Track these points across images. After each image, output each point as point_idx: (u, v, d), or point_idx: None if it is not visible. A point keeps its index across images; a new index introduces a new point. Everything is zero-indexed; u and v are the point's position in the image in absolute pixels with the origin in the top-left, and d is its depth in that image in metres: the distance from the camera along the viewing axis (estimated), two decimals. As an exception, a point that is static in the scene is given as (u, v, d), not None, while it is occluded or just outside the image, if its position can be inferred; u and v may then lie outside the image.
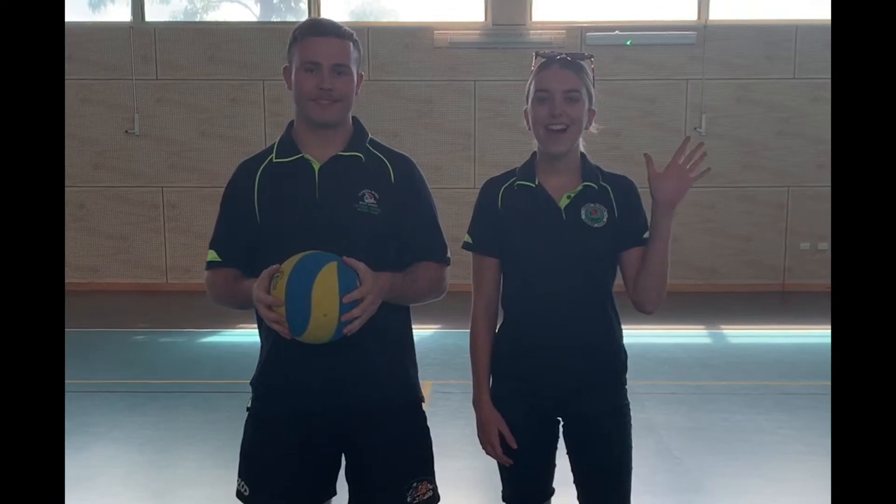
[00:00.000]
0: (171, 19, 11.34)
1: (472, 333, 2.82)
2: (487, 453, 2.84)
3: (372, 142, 2.68)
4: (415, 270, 2.61)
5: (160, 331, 8.70)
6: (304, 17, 10.86)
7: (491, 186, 2.79)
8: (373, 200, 2.56)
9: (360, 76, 2.60)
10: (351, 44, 2.56)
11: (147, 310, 9.87)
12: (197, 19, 11.66)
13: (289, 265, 2.35)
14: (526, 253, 2.68)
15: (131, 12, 10.79)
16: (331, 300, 2.31)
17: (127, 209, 10.96)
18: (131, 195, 10.93)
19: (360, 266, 2.37)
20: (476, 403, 2.82)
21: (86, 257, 10.81)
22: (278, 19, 11.68)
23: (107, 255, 10.99)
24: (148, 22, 10.83)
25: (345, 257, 2.37)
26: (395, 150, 2.72)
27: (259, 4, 11.95)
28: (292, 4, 11.83)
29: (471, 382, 2.83)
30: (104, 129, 10.80)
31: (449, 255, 2.70)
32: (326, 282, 2.31)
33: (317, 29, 2.54)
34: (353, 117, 2.68)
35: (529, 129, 2.72)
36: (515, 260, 2.72)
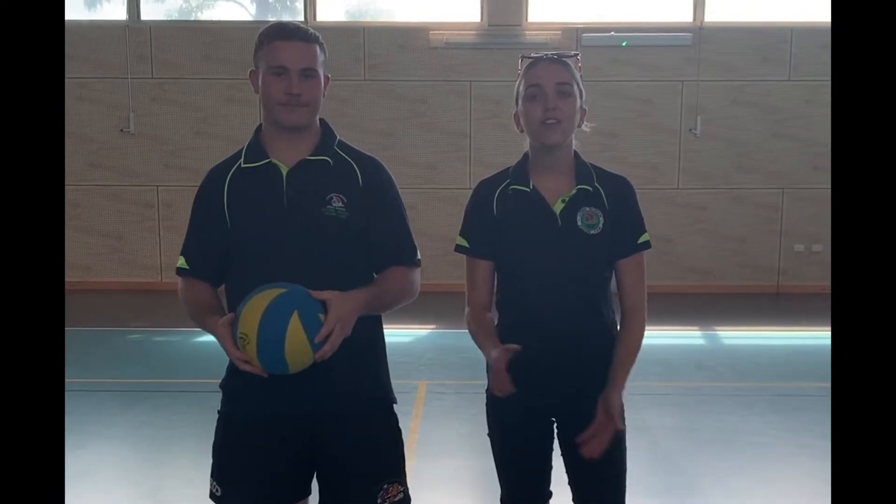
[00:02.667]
0: (166, 18, 11.33)
1: (471, 320, 2.75)
2: (499, 389, 2.58)
3: (340, 144, 2.68)
4: (386, 279, 2.61)
5: (155, 329, 8.70)
6: (299, 17, 10.86)
7: (485, 189, 2.78)
8: (340, 204, 2.56)
9: (326, 78, 2.61)
10: (317, 47, 2.57)
11: (142, 308, 9.86)
12: (192, 18, 11.64)
13: (251, 329, 2.31)
14: (521, 258, 2.68)
15: (127, 11, 10.77)
16: (304, 351, 2.33)
17: (122, 208, 10.95)
18: (126, 194, 10.92)
19: (326, 295, 2.36)
20: (488, 355, 2.64)
21: (80, 256, 10.79)
22: (274, 18, 11.67)
23: (101, 253, 10.98)
24: (143, 20, 10.81)
25: (311, 292, 2.36)
26: (364, 152, 2.72)
27: (254, 4, 11.94)
28: (288, 3, 11.82)
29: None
30: (99, 128, 10.79)
31: (419, 257, 2.70)
32: (295, 341, 2.31)
33: (283, 33, 2.55)
34: (321, 119, 2.68)
35: (521, 130, 2.71)
36: (510, 264, 2.72)
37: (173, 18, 11.39)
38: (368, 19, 11.56)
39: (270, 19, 11.50)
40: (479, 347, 2.72)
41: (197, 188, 2.70)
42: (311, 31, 2.58)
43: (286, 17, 11.56)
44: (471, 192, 2.83)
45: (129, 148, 10.83)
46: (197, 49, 10.69)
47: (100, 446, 5.26)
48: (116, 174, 10.88)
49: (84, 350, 7.54)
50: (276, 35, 2.55)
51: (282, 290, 2.34)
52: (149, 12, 10.98)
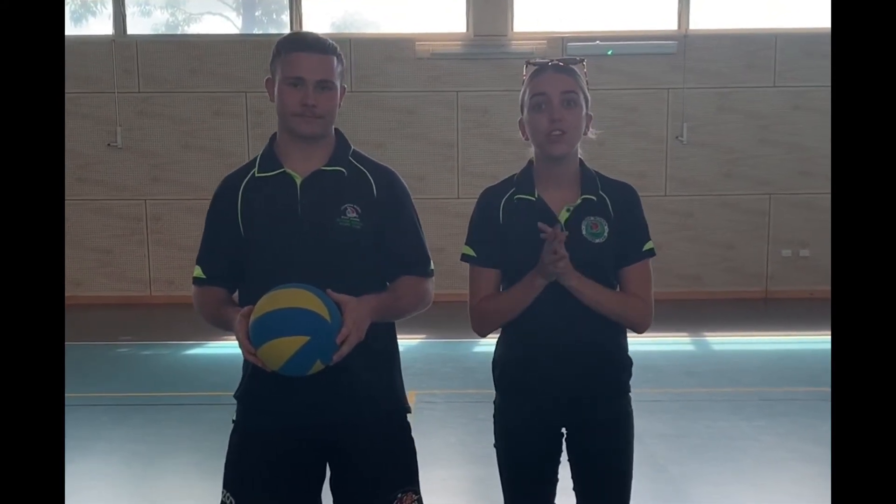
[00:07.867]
0: (152, 32, 11.33)
1: (481, 314, 2.70)
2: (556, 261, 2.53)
3: (355, 154, 2.68)
4: (399, 287, 2.62)
5: (144, 343, 8.67)
6: (286, 30, 10.87)
7: (491, 198, 2.74)
8: (355, 214, 2.58)
9: (342, 88, 2.62)
10: (335, 58, 2.56)
11: (131, 322, 9.84)
12: (179, 32, 11.65)
13: (273, 365, 2.37)
14: (527, 267, 2.61)
15: (113, 26, 10.78)
16: (318, 370, 2.40)
17: (110, 222, 10.93)
18: (114, 208, 10.91)
19: (342, 298, 2.39)
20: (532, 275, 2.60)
21: (69, 270, 10.74)
22: (260, 31, 11.69)
23: (90, 268, 10.95)
24: (130, 35, 10.81)
25: (329, 291, 2.38)
26: (379, 162, 2.72)
27: (241, 17, 11.95)
28: (274, 17, 11.84)
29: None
30: (87, 143, 10.77)
31: (432, 267, 2.70)
32: (314, 371, 2.39)
33: (301, 44, 2.55)
34: (336, 129, 2.69)
35: (526, 139, 2.69)
36: (516, 273, 2.66)
37: (160, 33, 11.40)
38: (355, 31, 11.57)
39: (257, 32, 11.54)
40: (515, 293, 2.63)
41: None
42: (330, 42, 2.57)
43: (272, 30, 11.58)
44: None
45: (117, 162, 10.82)
46: (183, 63, 10.69)
47: (90, 461, 5.24)
48: (104, 188, 10.87)
49: (74, 364, 7.50)
50: (293, 45, 2.55)
51: (306, 339, 2.31)
52: (135, 27, 10.99)
